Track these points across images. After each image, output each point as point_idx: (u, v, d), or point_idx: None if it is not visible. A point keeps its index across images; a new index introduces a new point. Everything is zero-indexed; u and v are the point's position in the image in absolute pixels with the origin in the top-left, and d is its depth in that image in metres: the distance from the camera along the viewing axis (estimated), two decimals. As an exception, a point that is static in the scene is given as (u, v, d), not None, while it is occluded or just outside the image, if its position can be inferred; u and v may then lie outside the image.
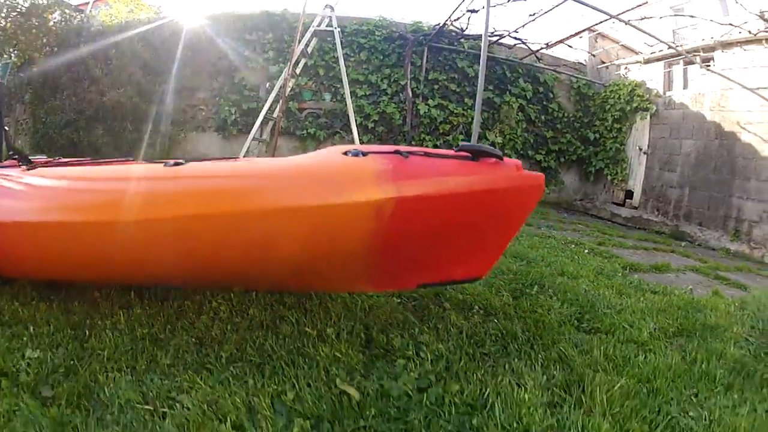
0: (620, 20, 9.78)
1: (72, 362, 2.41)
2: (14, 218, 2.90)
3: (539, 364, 2.58)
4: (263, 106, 10.87)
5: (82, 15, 14.25)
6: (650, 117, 11.38)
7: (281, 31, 12.27)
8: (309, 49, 10.13)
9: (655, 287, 4.43)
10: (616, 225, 9.81)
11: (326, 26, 9.64)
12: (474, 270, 3.09)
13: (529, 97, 12.37)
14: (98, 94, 11.44)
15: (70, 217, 2.79)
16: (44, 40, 12.65)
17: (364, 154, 2.73)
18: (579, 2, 9.06)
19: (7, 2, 12.49)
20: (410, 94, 11.91)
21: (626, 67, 12.46)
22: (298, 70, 10.24)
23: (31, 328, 2.71)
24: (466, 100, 12.21)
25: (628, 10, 10.48)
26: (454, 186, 2.64)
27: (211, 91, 12.45)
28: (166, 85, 11.59)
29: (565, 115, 12.77)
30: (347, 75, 10.44)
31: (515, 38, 11.64)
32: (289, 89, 9.68)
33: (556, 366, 2.58)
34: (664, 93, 11.23)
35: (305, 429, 1.92)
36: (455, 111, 12.14)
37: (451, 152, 2.79)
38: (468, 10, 10.62)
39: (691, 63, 10.59)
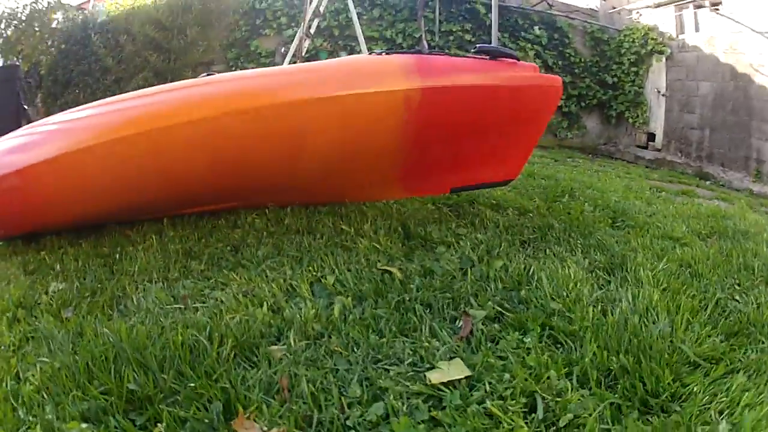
0: None
1: (99, 285, 2.35)
2: (47, 155, 2.82)
3: (579, 249, 2.58)
4: None
5: (85, 11, 13.96)
6: (665, 60, 11.31)
7: None
8: (321, 9, 9.84)
9: (684, 201, 4.44)
10: (640, 167, 9.81)
11: None
12: (504, 173, 3.21)
13: (544, 44, 12.27)
14: (114, 83, 11.30)
15: (103, 138, 2.72)
16: (49, 42, 12.50)
17: (388, 53, 2.86)
18: None
19: (6, 12, 12.28)
20: (426, 47, 11.29)
21: (638, 12, 12.34)
22: (312, 31, 10.03)
23: (57, 266, 2.69)
24: None
25: None
26: (475, 80, 2.73)
27: (226, 62, 12.28)
28: (180, 62, 11.37)
29: (582, 60, 12.66)
30: (363, 32, 10.53)
31: None
32: (304, 50, 9.60)
33: (596, 251, 2.57)
34: (677, 36, 11.21)
35: (347, 305, 1.90)
36: None
37: (474, 54, 2.91)
38: None
39: (701, 6, 10.54)
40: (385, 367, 1.52)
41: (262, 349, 1.63)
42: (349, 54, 11.81)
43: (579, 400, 1.32)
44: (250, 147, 2.76)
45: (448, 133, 2.88)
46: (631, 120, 12.29)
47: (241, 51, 12.25)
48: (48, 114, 11.91)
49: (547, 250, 2.53)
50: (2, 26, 12.14)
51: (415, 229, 2.80)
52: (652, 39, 11.51)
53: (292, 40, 11.13)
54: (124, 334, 1.69)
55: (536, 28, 12.26)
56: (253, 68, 11.63)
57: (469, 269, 2.22)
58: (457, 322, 1.78)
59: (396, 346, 1.62)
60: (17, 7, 12.21)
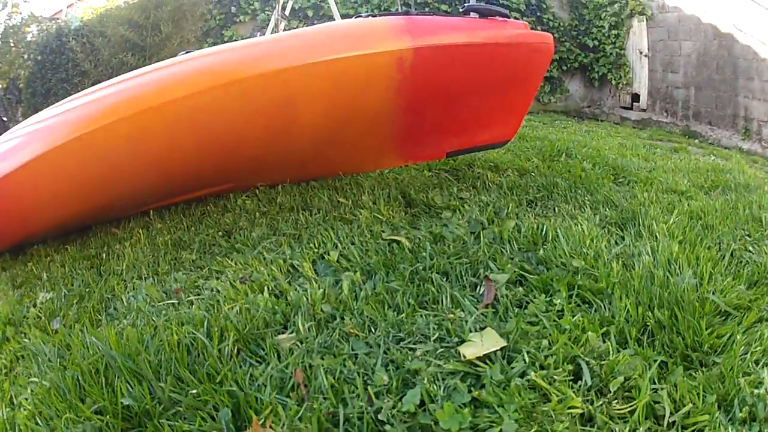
0: None
1: (87, 289, 2.24)
2: (26, 158, 2.69)
3: (588, 206, 2.53)
4: None
5: (59, 21, 13.57)
6: (646, 20, 11.34)
7: None
8: None
9: (680, 157, 4.45)
10: (627, 127, 9.99)
11: None
12: (500, 134, 3.15)
13: (522, 9, 12.30)
14: (91, 85, 11.02)
15: (82, 131, 2.58)
16: (25, 56, 12.36)
17: (375, 16, 2.83)
18: None
19: None
20: None
21: None
22: (287, 12, 9.94)
23: (44, 276, 2.57)
24: None
25: None
26: (466, 38, 2.67)
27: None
28: (156, 58, 10.66)
29: (561, 24, 12.72)
30: (338, 13, 10.40)
31: None
32: (281, 29, 9.34)
33: (605, 207, 2.53)
34: None
35: (356, 281, 1.76)
36: None
37: (463, 14, 2.87)
38: None
39: None
40: (410, 346, 1.39)
41: (268, 341, 1.49)
42: None
43: (625, 360, 1.22)
44: (239, 122, 2.67)
45: (442, 95, 2.83)
46: (614, 81, 12.29)
47: (217, 40, 12.02)
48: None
49: (556, 209, 2.48)
50: None
51: (417, 195, 2.72)
52: (632, 1, 11.49)
53: (267, 24, 11.42)
54: (113, 340, 1.56)
55: None
56: None
57: (480, 232, 2.11)
58: (478, 288, 1.65)
59: (418, 321, 1.49)
60: None
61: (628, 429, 1.08)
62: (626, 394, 1.15)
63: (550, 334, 1.32)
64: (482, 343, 1.30)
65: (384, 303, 1.61)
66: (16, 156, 2.70)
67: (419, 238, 2.10)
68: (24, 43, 12.29)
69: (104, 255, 2.61)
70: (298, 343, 1.44)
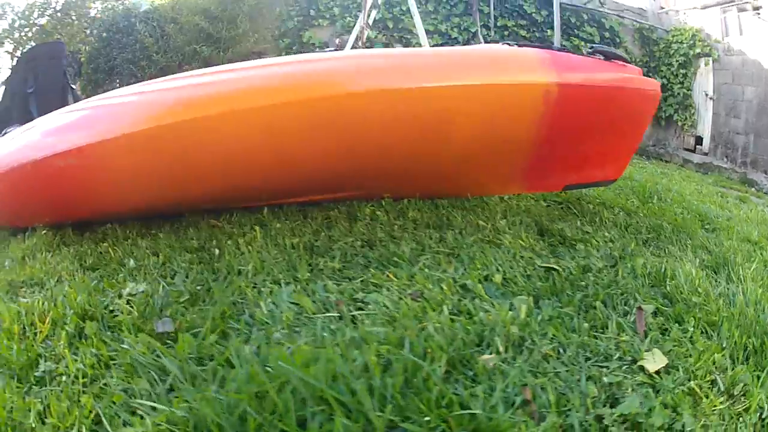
0: None
1: (199, 287, 2.07)
2: (125, 130, 2.60)
3: (688, 249, 2.82)
4: None
5: (125, 2, 13.82)
6: (712, 62, 11.35)
7: None
8: (378, 0, 10.02)
9: (748, 207, 4.87)
10: (690, 170, 10.08)
11: None
12: (610, 173, 3.39)
13: (596, 42, 12.22)
14: (159, 71, 11.25)
15: (201, 113, 2.54)
16: (87, 31, 12.62)
17: (520, 45, 2.98)
18: None
19: (39, 2, 12.38)
20: (482, 42, 11.25)
21: (685, 13, 12.33)
22: (370, 21, 9.87)
23: (131, 262, 2.42)
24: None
25: None
26: (600, 80, 2.88)
27: (278, 52, 12.40)
28: (231, 52, 11.46)
29: (633, 59, 12.42)
30: (422, 27, 10.68)
31: None
32: (365, 38, 9.60)
33: (701, 252, 2.84)
34: (723, 39, 11.19)
35: (530, 306, 1.84)
36: None
37: (591, 54, 3.07)
38: None
39: (744, 10, 10.53)
40: (599, 364, 1.57)
41: (475, 362, 1.49)
42: (405, 46, 11.95)
43: (741, 372, 1.59)
44: (392, 131, 2.72)
45: (573, 131, 2.97)
46: (679, 122, 12.25)
47: (294, 41, 12.35)
48: (89, 99, 12.65)
49: (666, 249, 2.76)
50: (35, 15, 12.30)
51: (549, 225, 2.92)
52: (700, 41, 11.53)
53: (346, 31, 11.70)
54: (300, 360, 1.36)
55: (588, 26, 12.33)
56: None
57: (618, 266, 2.37)
58: (628, 316, 1.89)
59: (599, 343, 1.67)
60: None
61: (747, 420, 1.44)
62: (743, 397, 1.52)
63: (691, 354, 1.66)
64: (654, 361, 1.60)
65: (565, 326, 1.76)
66: (106, 125, 2.67)
67: (569, 268, 2.28)
68: (88, 18, 12.66)
69: (214, 250, 2.50)
70: (501, 363, 1.49)
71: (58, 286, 2.21)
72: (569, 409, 1.34)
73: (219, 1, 11.43)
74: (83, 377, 1.50)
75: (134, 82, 10.08)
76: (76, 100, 7.23)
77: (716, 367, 1.63)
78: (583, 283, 2.14)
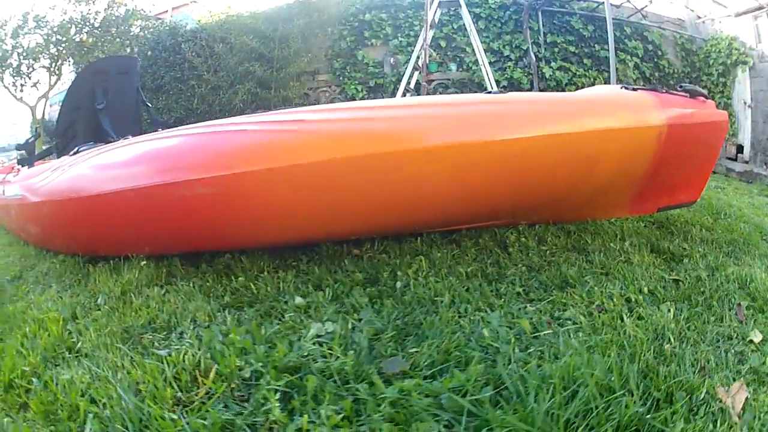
0: None
1: (399, 321, 2.28)
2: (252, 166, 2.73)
3: (757, 258, 3.47)
4: (390, 81, 12.10)
5: (162, 20, 14.54)
6: (748, 69, 11.76)
7: (394, 8, 13.00)
8: (436, 20, 10.75)
9: None
10: (732, 179, 10.50)
11: None
12: (692, 195, 3.82)
13: (641, 55, 12.87)
14: (210, 90, 11.80)
15: (385, 149, 2.69)
16: (129, 49, 13.03)
17: (635, 89, 3.29)
18: None
19: (79, 17, 12.89)
20: (534, 59, 12.41)
21: (720, 21, 12.83)
22: (428, 42, 10.57)
23: (296, 299, 2.55)
24: (585, 60, 12.80)
25: None
26: (693, 117, 3.26)
27: (332, 72, 13.09)
28: (284, 71, 11.92)
29: (675, 71, 13.20)
30: (470, 44, 11.24)
31: None
32: (428, 58, 10.31)
33: (765, 259, 3.51)
34: (756, 45, 11.66)
35: (674, 309, 2.51)
36: (577, 72, 12.72)
37: (678, 91, 3.41)
38: None
39: None
40: (728, 342, 2.29)
41: (662, 349, 2.08)
42: (458, 67, 12.74)
43: None
44: (553, 169, 3.04)
45: (673, 162, 3.34)
46: None
47: (348, 61, 12.91)
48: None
49: (742, 259, 3.43)
50: (73, 32, 13.03)
51: (656, 244, 3.55)
52: (736, 50, 11.96)
53: (399, 50, 12.61)
54: (584, 366, 1.77)
55: (632, 40, 12.80)
56: (360, 78, 12.73)
57: (717, 274, 3.04)
58: (732, 310, 2.58)
59: (722, 329, 2.40)
60: (89, 12, 13.20)
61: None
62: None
63: None
64: (756, 336, 2.31)
65: (699, 320, 2.44)
66: (263, 155, 2.75)
67: (688, 278, 2.94)
68: (129, 36, 13.34)
69: (393, 282, 2.75)
70: (674, 349, 2.15)
71: (200, 331, 2.23)
72: (722, 369, 2.03)
73: (269, 21, 11.99)
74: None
75: (183, 101, 10.79)
76: (153, 119, 7.58)
77: None
78: (700, 289, 2.81)
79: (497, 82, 11.19)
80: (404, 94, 10.46)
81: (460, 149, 2.70)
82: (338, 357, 1.91)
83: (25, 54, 13.09)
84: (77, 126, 5.63)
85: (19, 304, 3.06)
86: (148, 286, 2.93)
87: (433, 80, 12.04)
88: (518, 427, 1.51)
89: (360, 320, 2.28)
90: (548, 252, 3.32)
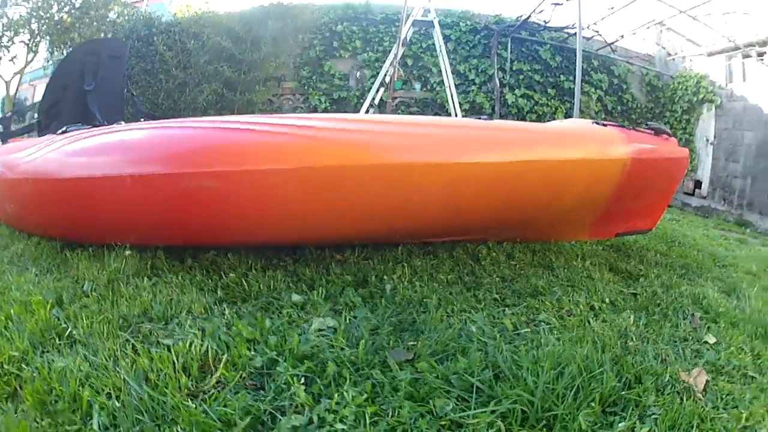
0: (689, 15, 11.04)
1: (393, 318, 2.58)
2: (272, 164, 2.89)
3: (709, 281, 3.98)
4: (354, 95, 12.31)
5: (140, 10, 14.24)
6: (715, 108, 12.13)
7: (366, 22, 13.25)
8: (408, 38, 11.03)
9: (748, 247, 6.29)
10: (688, 213, 11.13)
11: (421, 16, 10.63)
12: (648, 223, 4.25)
13: (605, 89, 13.35)
14: (177, 87, 11.89)
15: (391, 160, 2.98)
16: (103, 34, 12.72)
17: (604, 125, 3.67)
18: None
19: None
20: (498, 84, 12.87)
21: (691, 59, 13.25)
22: (398, 59, 10.85)
23: (293, 296, 2.78)
24: (549, 90, 13.21)
25: (695, 7, 11.46)
26: (656, 152, 3.65)
27: (298, 80, 13.30)
28: (252, 75, 12.04)
29: (638, 106, 13.70)
30: (436, 65, 11.59)
31: (594, 30, 12.71)
32: (396, 77, 10.59)
33: (717, 282, 4.03)
34: (726, 85, 11.98)
35: (634, 317, 2.93)
36: (540, 101, 13.10)
37: (643, 129, 3.77)
38: (553, 3, 11.67)
39: (748, 56, 11.31)
40: (685, 342, 2.70)
41: (626, 346, 2.48)
42: (422, 86, 12.98)
43: (756, 343, 2.77)
44: (531, 191, 3.40)
45: (633, 192, 3.70)
46: None
47: (314, 70, 13.10)
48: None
49: (695, 281, 3.92)
50: (55, 9, 12.78)
51: (614, 264, 4.01)
52: (704, 88, 12.31)
53: (366, 65, 12.83)
54: (563, 352, 2.19)
55: (598, 73, 13.22)
56: (325, 89, 12.90)
57: (671, 290, 3.50)
58: (686, 320, 3.01)
59: (679, 333, 2.80)
60: None
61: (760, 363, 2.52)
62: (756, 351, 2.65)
63: (726, 337, 2.78)
64: (711, 339, 2.74)
65: (657, 326, 2.84)
66: (278, 154, 2.92)
67: (645, 293, 3.37)
68: (105, 21, 13.09)
69: (383, 285, 3.07)
70: (638, 344, 2.56)
71: (200, 322, 2.37)
72: (681, 362, 2.40)
73: (243, 23, 12.02)
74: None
75: (150, 94, 10.99)
76: (137, 108, 7.68)
77: (741, 341, 2.77)
78: (656, 302, 3.23)
79: (459, 104, 11.57)
80: (368, 111, 10.71)
81: (452, 168, 3.00)
82: (343, 348, 2.15)
83: (8, 25, 13.02)
84: (62, 105, 5.63)
85: (-6, 283, 2.94)
86: (136, 277, 3.00)
87: (397, 98, 12.35)
88: (523, 397, 1.84)
89: (355, 317, 2.53)
90: (517, 266, 3.70)
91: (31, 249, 3.81)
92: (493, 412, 1.79)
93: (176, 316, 2.46)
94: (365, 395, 1.82)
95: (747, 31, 11.86)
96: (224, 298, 2.78)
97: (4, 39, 13.11)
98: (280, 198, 2.99)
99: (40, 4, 12.70)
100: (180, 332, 2.26)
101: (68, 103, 5.60)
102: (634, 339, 2.58)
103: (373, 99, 10.75)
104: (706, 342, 2.73)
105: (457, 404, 1.84)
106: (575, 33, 12.53)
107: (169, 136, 3.24)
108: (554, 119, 12.72)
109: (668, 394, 2.06)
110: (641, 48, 14.41)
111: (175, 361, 1.96)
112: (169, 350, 2.03)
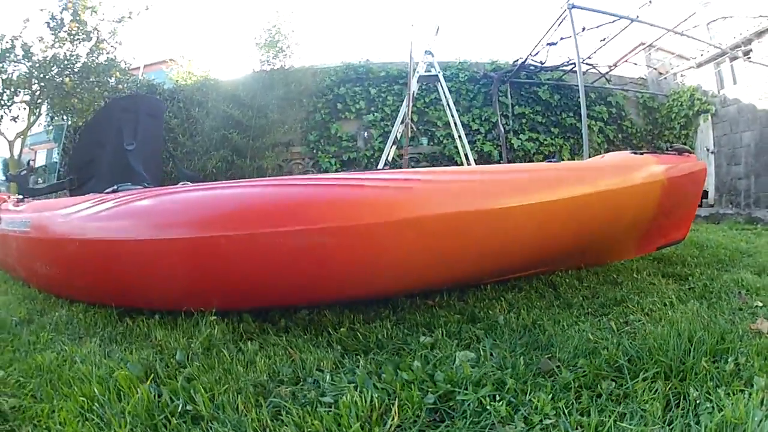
0: (676, 32, 11.66)
1: (520, 341, 2.81)
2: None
3: (741, 267, 4.77)
4: (363, 155, 13.03)
5: (135, 76, 14.92)
6: (711, 117, 12.84)
7: (367, 82, 14.00)
8: (414, 93, 11.40)
9: (765, 238, 7.21)
10: (700, 224, 11.39)
11: (425, 72, 11.26)
12: (682, 233, 4.78)
13: (605, 119, 14.19)
14: (185, 155, 12.37)
15: (503, 204, 3.21)
16: (105, 101, 12.96)
17: (641, 153, 4.20)
18: (643, 23, 11.14)
19: (62, 56, 13.23)
20: (502, 131, 13.53)
21: (682, 74, 14.13)
22: (399, 117, 11.43)
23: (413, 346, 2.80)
24: (552, 129, 14.01)
25: (681, 23, 12.43)
26: (684, 169, 4.16)
27: (306, 144, 13.95)
28: (261, 141, 12.73)
29: (638, 130, 14.54)
30: (441, 118, 12.62)
31: (587, 64, 13.34)
32: (410, 134, 11.09)
33: (748, 268, 4.76)
34: (719, 92, 12.72)
35: (699, 305, 3.37)
36: (545, 141, 13.89)
37: (670, 151, 4.36)
38: (548, 44, 12.40)
39: (735, 58, 12.09)
40: (743, 312, 3.22)
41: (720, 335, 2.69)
42: (429, 141, 13.63)
43: None
44: (597, 220, 3.73)
45: (669, 207, 4.13)
46: None
47: (322, 133, 13.84)
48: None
49: (732, 270, 4.61)
50: (54, 72, 13.54)
51: (666, 270, 4.67)
52: (698, 99, 13.11)
53: (372, 125, 13.56)
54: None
55: (596, 105, 13.99)
56: (334, 151, 13.47)
57: (718, 280, 4.13)
58: (735, 297, 3.58)
59: (733, 306, 3.36)
60: (72, 54, 13.74)
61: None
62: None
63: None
64: (758, 303, 3.40)
65: (719, 306, 3.39)
66: (391, 207, 3.03)
67: (699, 286, 4.00)
68: (109, 87, 13.93)
69: (491, 319, 3.29)
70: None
71: (341, 376, 2.39)
72: (746, 321, 2.94)
73: (248, 89, 12.70)
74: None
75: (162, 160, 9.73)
76: (179, 170, 7.94)
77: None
78: (709, 290, 3.86)
79: (466, 156, 11.97)
80: (384, 168, 10.92)
81: (542, 206, 3.29)
82: (494, 371, 2.35)
83: (8, 82, 13.49)
84: (99, 163, 5.47)
85: (48, 354, 2.83)
86: (234, 342, 2.96)
87: (403, 155, 12.27)
88: (661, 362, 2.34)
89: (485, 347, 2.66)
90: (591, 286, 4.17)
91: (79, 316, 3.67)
92: (644, 379, 2.19)
93: (309, 375, 2.44)
94: (550, 395, 2.10)
95: (731, 34, 12.76)
96: (346, 351, 2.82)
97: (5, 97, 13.57)
98: (390, 248, 3.09)
99: (38, 65, 13.20)
100: (331, 388, 2.26)
101: (106, 162, 5.45)
102: (706, 317, 3.11)
103: (387, 157, 11.25)
104: (756, 306, 3.42)
105: (615, 382, 2.22)
106: (571, 69, 13.64)
107: (275, 194, 3.22)
108: (562, 157, 13.73)
109: (747, 339, 2.67)
110: (634, 72, 15.26)
111: (348, 415, 1.97)
112: (334, 406, 2.06)
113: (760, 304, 3.46)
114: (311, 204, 3.04)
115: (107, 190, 3.95)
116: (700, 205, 12.79)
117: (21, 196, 5.73)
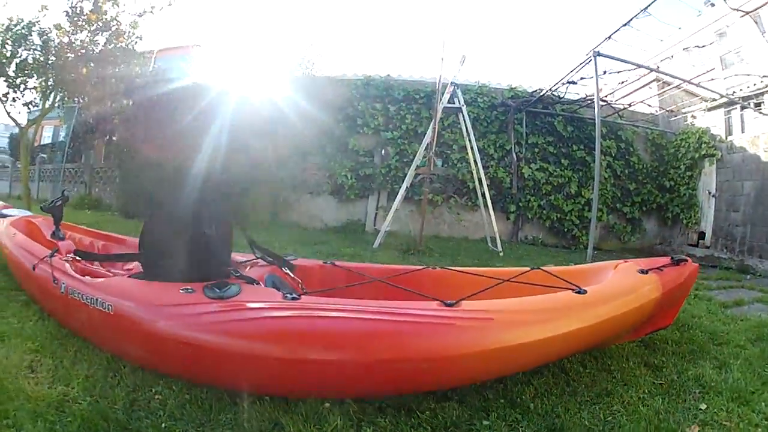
0: (692, 83, 12.96)
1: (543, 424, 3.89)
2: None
3: (708, 360, 5.52)
4: (379, 172, 14.05)
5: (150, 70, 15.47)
6: (716, 162, 13.75)
7: (387, 99, 14.87)
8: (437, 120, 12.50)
9: (740, 315, 8.01)
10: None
11: (448, 102, 12.25)
12: (668, 322, 5.67)
13: (614, 154, 15.21)
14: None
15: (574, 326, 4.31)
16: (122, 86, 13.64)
17: (646, 272, 5.13)
18: (663, 74, 12.66)
19: (83, 50, 13.93)
20: (515, 159, 14.60)
21: (692, 115, 15.02)
22: (423, 144, 12.45)
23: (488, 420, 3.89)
24: (562, 161, 15.06)
25: (699, 75, 13.44)
26: (678, 279, 5.15)
27: (324, 156, 14.89)
28: (278, 151, 12.03)
29: (644, 166, 15.56)
30: (457, 141, 13.78)
31: (604, 101, 14.21)
32: (431, 164, 12.11)
33: (713, 360, 5.53)
34: (726, 138, 13.58)
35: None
36: (554, 172, 14.87)
37: (668, 261, 5.33)
38: (568, 82, 13.46)
39: (746, 108, 12.94)
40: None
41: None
42: (443, 163, 14.81)
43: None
44: (608, 332, 4.68)
45: (661, 309, 5.06)
46: (684, 221, 14.70)
47: (339, 147, 14.89)
48: (120, 167, 13.94)
49: (698, 362, 5.40)
50: (71, 58, 14.15)
51: (648, 359, 5.44)
52: (705, 143, 13.94)
53: (388, 142, 14.73)
54: None
55: (606, 139, 14.81)
56: (351, 165, 14.62)
57: (681, 375, 5.00)
58: (690, 396, 4.50)
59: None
60: (90, 42, 14.37)
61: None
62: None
63: (715, 400, 4.42)
64: (704, 406, 4.34)
65: (678, 402, 4.43)
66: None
67: (667, 381, 4.86)
68: (120, 74, 14.51)
69: (526, 404, 4.27)
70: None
71: None
72: (688, 422, 4.07)
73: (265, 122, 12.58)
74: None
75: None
76: (251, 245, 7.26)
77: (721, 404, 4.38)
78: (673, 386, 4.78)
79: (479, 181, 12.91)
80: (407, 190, 12.28)
81: (571, 333, 4.27)
82: None
83: (22, 66, 14.27)
84: (174, 244, 5.16)
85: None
86: (355, 429, 3.70)
87: (419, 174, 13.41)
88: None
89: (524, 429, 3.88)
90: (591, 373, 5.12)
91: (193, 399, 4.00)
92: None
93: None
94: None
95: (745, 83, 13.60)
96: (434, 430, 3.80)
97: (18, 81, 14.42)
98: (474, 371, 4.13)
99: (54, 50, 14.00)
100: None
101: (182, 243, 5.13)
102: (663, 414, 4.10)
103: (408, 183, 12.29)
104: (699, 408, 4.22)
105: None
106: (585, 104, 14.76)
107: (395, 329, 3.83)
108: (570, 189, 14.83)
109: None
110: (645, 108, 16.13)
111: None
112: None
113: (704, 407, 4.34)
114: (418, 336, 3.75)
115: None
116: (696, 245, 14.19)
117: (76, 256, 5.93)
